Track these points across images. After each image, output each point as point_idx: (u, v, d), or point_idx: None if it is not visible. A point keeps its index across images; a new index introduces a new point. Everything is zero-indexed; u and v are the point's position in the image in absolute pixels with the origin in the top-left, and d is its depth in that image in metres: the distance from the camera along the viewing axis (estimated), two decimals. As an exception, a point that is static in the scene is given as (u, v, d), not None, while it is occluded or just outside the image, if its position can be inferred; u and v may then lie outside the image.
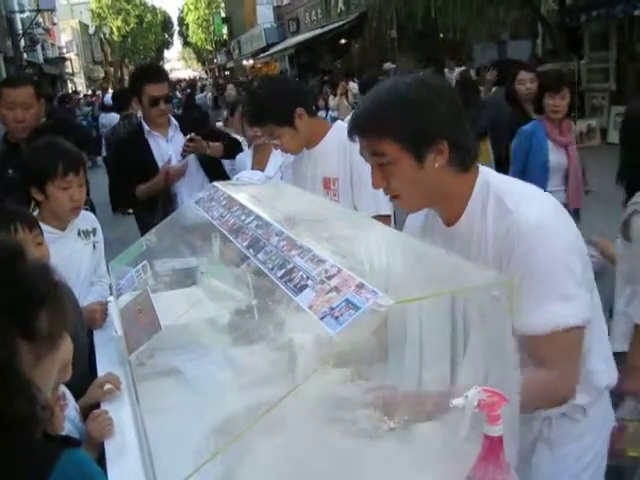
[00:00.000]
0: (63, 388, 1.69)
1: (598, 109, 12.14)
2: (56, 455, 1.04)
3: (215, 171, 3.78)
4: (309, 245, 1.59)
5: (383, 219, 2.47)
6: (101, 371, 2.17)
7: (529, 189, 1.59)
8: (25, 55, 24.81)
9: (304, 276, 1.47)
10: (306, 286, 1.44)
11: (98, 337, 2.44)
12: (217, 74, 49.26)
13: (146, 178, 3.81)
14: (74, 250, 2.58)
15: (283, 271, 1.57)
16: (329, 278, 1.39)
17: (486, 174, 1.59)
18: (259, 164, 3.92)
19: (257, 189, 2.54)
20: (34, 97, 3.37)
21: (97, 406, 1.94)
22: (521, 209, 1.47)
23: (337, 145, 2.68)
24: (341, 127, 2.80)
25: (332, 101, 12.77)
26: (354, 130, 1.58)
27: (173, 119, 3.85)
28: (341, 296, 1.31)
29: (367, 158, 1.58)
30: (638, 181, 2.30)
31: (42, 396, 1.06)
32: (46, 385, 1.11)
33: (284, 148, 2.73)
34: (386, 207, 2.62)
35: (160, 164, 3.77)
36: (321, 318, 1.30)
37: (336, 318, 1.27)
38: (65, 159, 2.48)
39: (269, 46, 30.45)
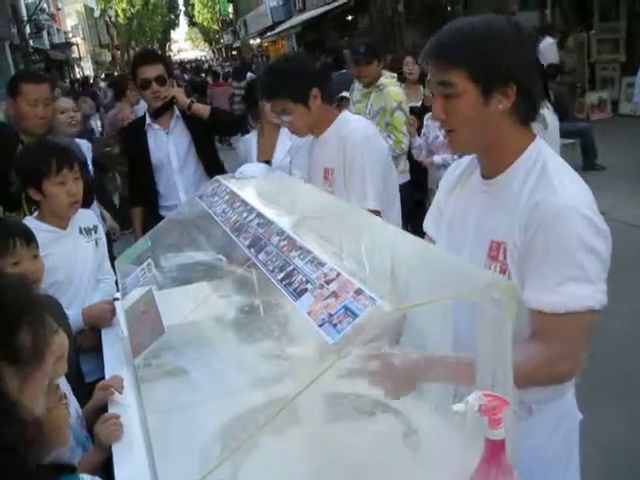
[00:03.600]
0: (64, 389, 1.71)
1: (609, 81, 11.97)
2: None
3: (213, 165, 3.72)
4: (309, 246, 1.58)
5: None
6: (109, 370, 2.18)
7: (573, 172, 1.54)
8: (31, 42, 24.74)
9: (303, 279, 1.46)
10: (305, 290, 1.43)
11: (106, 336, 2.45)
12: (225, 55, 48.84)
13: (137, 174, 3.81)
14: (77, 248, 2.58)
15: (283, 274, 1.56)
16: (328, 282, 1.38)
17: (541, 143, 1.56)
18: (265, 152, 3.89)
19: (260, 183, 2.52)
20: (51, 93, 3.44)
21: (105, 408, 1.95)
22: (565, 189, 1.44)
23: (336, 135, 2.69)
24: (344, 117, 2.78)
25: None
26: (429, 53, 1.52)
27: (177, 109, 3.70)
28: (339, 302, 1.30)
29: (433, 88, 1.54)
30: None
31: (31, 416, 1.06)
32: (35, 402, 1.10)
33: (292, 127, 2.70)
34: (373, 202, 2.62)
35: (156, 160, 3.71)
36: (320, 325, 1.29)
37: (334, 326, 1.26)
38: (57, 155, 2.50)
39: (275, 24, 30.20)
